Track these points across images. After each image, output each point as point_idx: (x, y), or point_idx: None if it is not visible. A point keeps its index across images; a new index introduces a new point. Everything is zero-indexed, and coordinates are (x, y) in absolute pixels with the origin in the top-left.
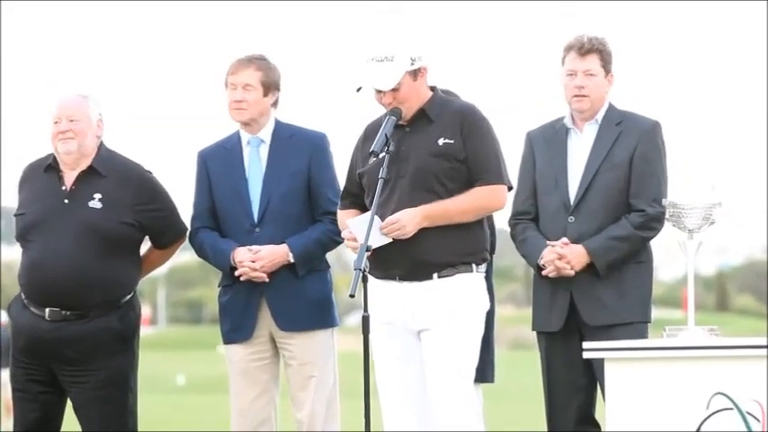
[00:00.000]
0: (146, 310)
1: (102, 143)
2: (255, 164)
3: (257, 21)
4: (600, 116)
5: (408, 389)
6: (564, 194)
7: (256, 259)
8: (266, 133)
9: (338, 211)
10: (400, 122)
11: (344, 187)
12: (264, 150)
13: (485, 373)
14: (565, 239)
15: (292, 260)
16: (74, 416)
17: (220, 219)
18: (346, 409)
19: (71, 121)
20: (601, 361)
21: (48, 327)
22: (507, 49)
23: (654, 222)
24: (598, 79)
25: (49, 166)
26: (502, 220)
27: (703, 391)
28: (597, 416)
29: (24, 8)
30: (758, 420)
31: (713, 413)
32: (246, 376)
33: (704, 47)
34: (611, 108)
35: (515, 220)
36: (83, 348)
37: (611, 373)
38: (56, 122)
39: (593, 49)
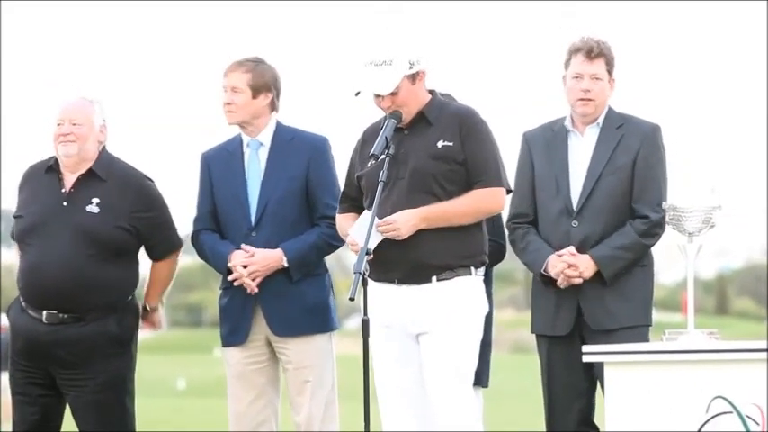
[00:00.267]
0: None
1: (104, 148)
2: (255, 167)
3: (258, 21)
4: (601, 119)
5: (407, 392)
6: (566, 198)
7: (249, 263)
8: (266, 136)
9: (337, 214)
10: (399, 125)
11: (343, 191)
12: (264, 153)
13: (480, 377)
14: (572, 249)
15: (286, 264)
16: (72, 417)
17: (220, 221)
18: (346, 412)
19: (74, 124)
20: (602, 364)
21: (45, 329)
22: (507, 49)
23: (657, 228)
24: (603, 84)
25: (50, 168)
26: None
27: (703, 394)
28: (596, 419)
29: (24, 8)
30: (758, 424)
31: (713, 417)
32: (243, 379)
33: (704, 48)
34: (610, 111)
35: (514, 224)
36: (80, 351)
37: (610, 376)
38: (59, 124)
39: (601, 53)
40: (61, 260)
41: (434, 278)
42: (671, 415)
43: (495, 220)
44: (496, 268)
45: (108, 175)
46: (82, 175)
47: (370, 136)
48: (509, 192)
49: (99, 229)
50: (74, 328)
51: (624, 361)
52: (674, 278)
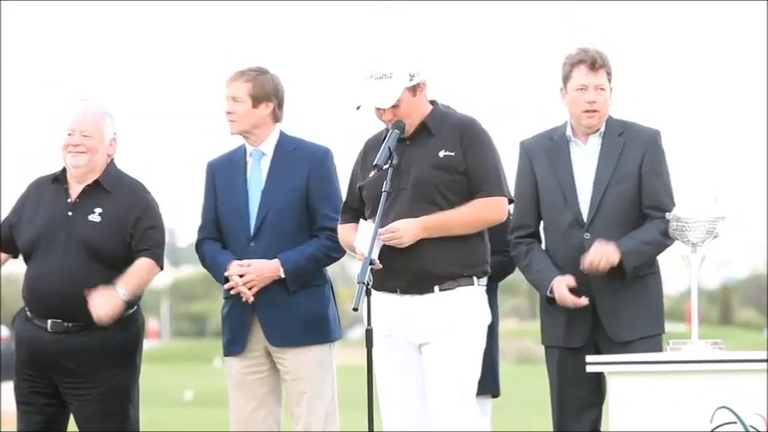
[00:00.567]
0: (153, 324)
1: (112, 161)
2: (256, 177)
3: (257, 21)
4: (602, 127)
5: (409, 401)
6: (575, 210)
7: (245, 272)
8: (269, 146)
9: (339, 225)
10: (401, 136)
11: (345, 201)
12: (266, 163)
13: (489, 386)
14: (570, 280)
15: (283, 275)
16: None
17: (222, 231)
18: (350, 422)
19: (84, 135)
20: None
21: (50, 338)
22: (507, 49)
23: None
24: (606, 94)
25: (56, 179)
26: None
27: (707, 404)
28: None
29: (24, 8)
30: None
31: (717, 427)
32: (243, 389)
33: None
34: (609, 118)
35: (517, 238)
36: (84, 361)
37: (615, 386)
38: (69, 134)
39: (603, 64)
40: (65, 270)
41: (437, 288)
42: (675, 425)
43: (506, 232)
44: None
45: (113, 187)
46: (88, 185)
47: (371, 146)
48: (511, 201)
49: (99, 239)
50: (79, 338)
51: (628, 371)
52: (677, 288)
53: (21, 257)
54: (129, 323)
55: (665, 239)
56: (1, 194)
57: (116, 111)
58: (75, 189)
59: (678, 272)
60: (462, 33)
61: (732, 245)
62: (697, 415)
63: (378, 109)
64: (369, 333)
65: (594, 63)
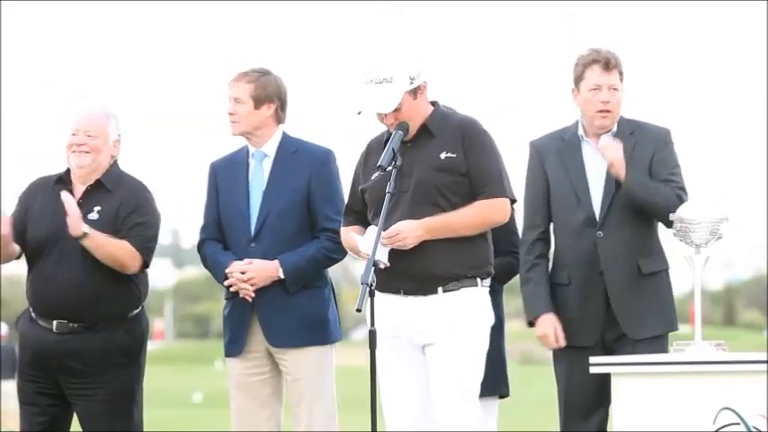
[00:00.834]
0: (159, 325)
1: (115, 162)
2: (258, 178)
3: (258, 20)
4: (614, 127)
5: (412, 402)
6: (588, 209)
7: (246, 270)
8: (271, 147)
9: (342, 227)
10: (403, 138)
11: (347, 204)
12: (268, 165)
13: (499, 386)
14: (558, 328)
15: (282, 276)
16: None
17: (223, 232)
18: (354, 424)
19: (88, 136)
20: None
21: (55, 339)
22: (507, 49)
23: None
24: (619, 94)
25: (60, 180)
26: None
27: (710, 406)
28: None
29: (24, 8)
30: None
31: (720, 428)
32: (244, 390)
33: (704, 48)
34: (621, 118)
35: (530, 244)
36: (89, 361)
37: (618, 387)
38: (73, 134)
39: (616, 64)
40: (70, 270)
41: (440, 289)
42: (678, 426)
43: (511, 233)
44: None
45: (115, 186)
46: (90, 185)
47: (374, 148)
48: (513, 202)
49: None
50: (83, 338)
51: (632, 372)
52: (681, 289)
53: (21, 258)
54: (134, 324)
55: (675, 200)
56: (1, 194)
57: (118, 112)
58: (78, 190)
59: (682, 273)
60: (462, 33)
61: (736, 246)
62: (700, 416)
63: (379, 113)
64: (372, 334)
65: (608, 63)
